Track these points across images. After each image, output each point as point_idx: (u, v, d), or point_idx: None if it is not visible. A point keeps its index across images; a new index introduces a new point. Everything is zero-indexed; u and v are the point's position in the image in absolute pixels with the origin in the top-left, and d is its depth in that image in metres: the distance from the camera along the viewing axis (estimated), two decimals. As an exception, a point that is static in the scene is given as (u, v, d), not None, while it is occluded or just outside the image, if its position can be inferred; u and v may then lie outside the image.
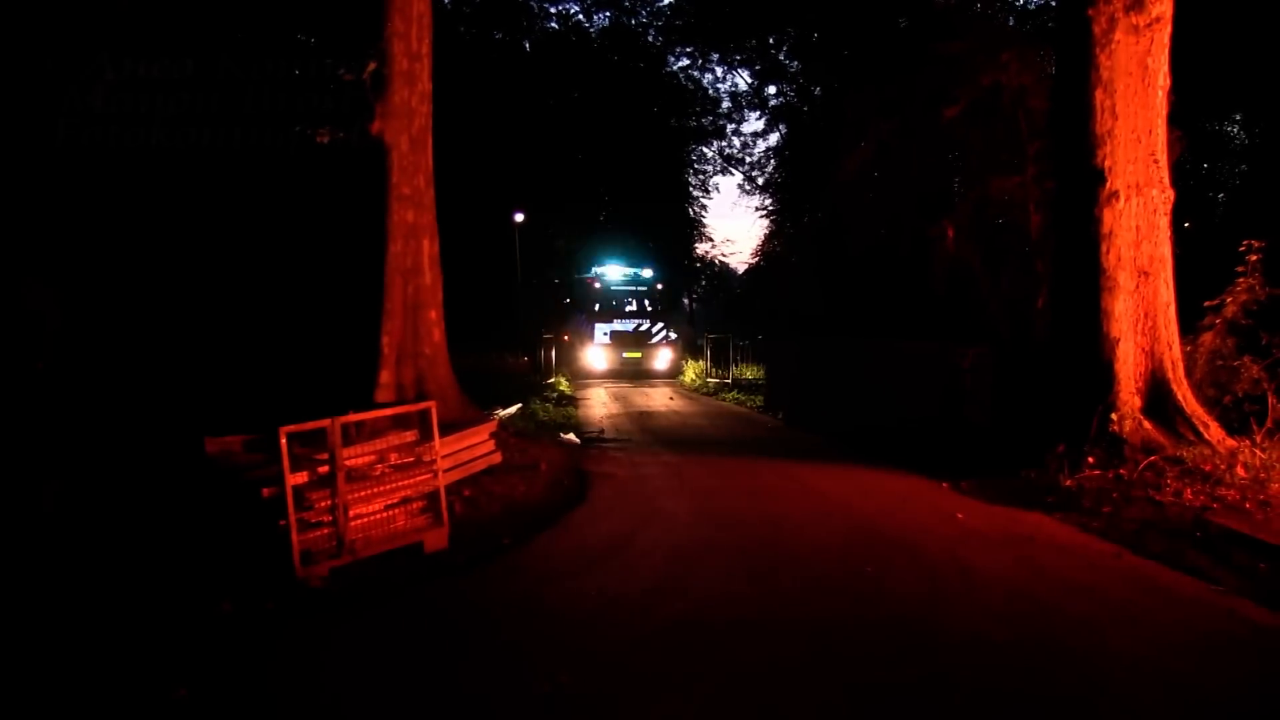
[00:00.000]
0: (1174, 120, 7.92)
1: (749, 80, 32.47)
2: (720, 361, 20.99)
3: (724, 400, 17.32)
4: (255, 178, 12.81)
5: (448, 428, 6.96)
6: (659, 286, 23.88)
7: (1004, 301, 11.93)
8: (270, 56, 10.89)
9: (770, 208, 31.86)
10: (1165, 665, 3.65)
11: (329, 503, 5.22)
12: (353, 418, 5.48)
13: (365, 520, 5.45)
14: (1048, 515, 6.35)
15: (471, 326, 18.68)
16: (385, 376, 8.53)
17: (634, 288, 23.64)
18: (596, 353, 22.41)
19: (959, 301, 12.81)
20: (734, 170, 35.56)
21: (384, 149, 8.76)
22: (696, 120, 34.52)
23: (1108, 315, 7.40)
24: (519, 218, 25.74)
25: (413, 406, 6.08)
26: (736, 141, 36.46)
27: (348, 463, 5.33)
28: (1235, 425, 7.19)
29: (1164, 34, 7.42)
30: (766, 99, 31.85)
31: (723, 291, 38.94)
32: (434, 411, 5.90)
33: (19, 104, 9.73)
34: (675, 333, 23.74)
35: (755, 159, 33.97)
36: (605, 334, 22.62)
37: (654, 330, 23.02)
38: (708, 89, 33.75)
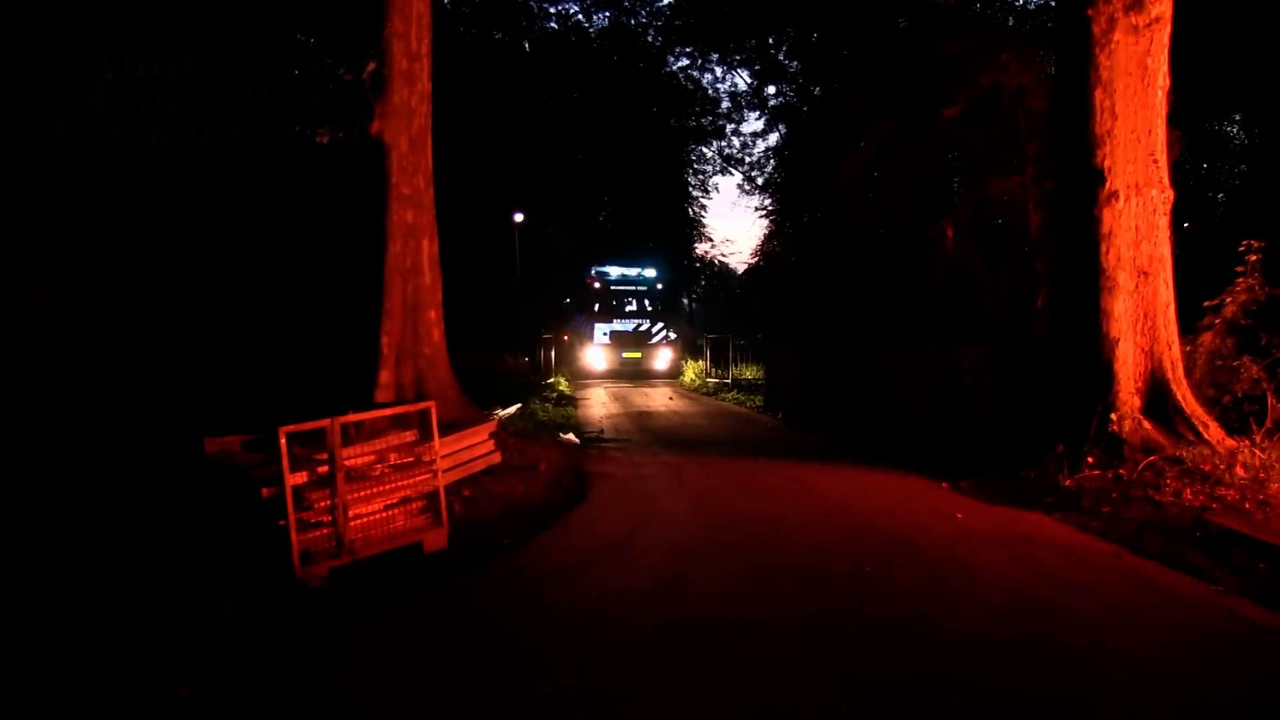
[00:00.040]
0: (1173, 120, 7.92)
1: (748, 80, 32.53)
2: (720, 361, 20.99)
3: (723, 400, 17.32)
4: (255, 178, 12.80)
5: (447, 428, 6.96)
6: (659, 286, 23.87)
7: (1003, 301, 11.92)
8: (270, 56, 10.88)
9: (770, 208, 31.89)
10: (1164, 665, 3.65)
11: (328, 503, 5.22)
12: (352, 418, 5.48)
13: (365, 520, 5.45)
14: (1047, 515, 6.35)
15: (471, 326, 18.69)
16: (385, 376, 8.53)
17: (634, 288, 23.63)
18: (596, 353, 22.42)
19: (958, 301, 12.81)
20: (733, 170, 35.64)
21: (384, 149, 8.76)
22: (696, 120, 34.56)
23: (1107, 315, 7.40)
24: (519, 218, 25.73)
25: (412, 406, 6.08)
26: (736, 141, 36.59)
27: (347, 463, 5.33)
28: (1235, 425, 7.19)
29: (1163, 34, 7.42)
30: (766, 99, 31.90)
31: (722, 291, 38.93)
32: (433, 411, 5.90)
33: (19, 104, 9.73)
34: (675, 333, 23.74)
35: (755, 159, 34.05)
36: (605, 334, 22.62)
37: (654, 330, 23.02)
38: (707, 89, 33.84)
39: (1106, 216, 7.44)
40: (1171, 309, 7.51)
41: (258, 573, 4.98)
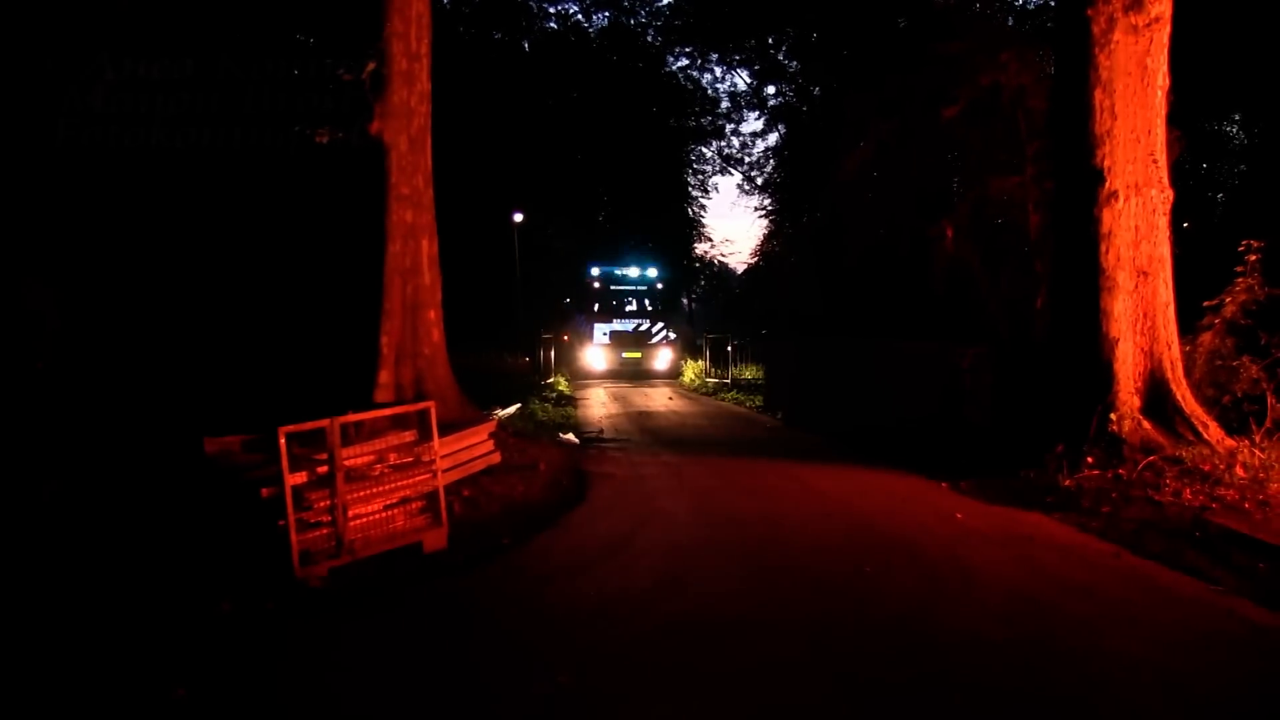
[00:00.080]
0: (1173, 120, 7.92)
1: (748, 80, 32.54)
2: (719, 361, 20.99)
3: (723, 400, 17.32)
4: (255, 178, 12.80)
5: (447, 428, 6.96)
6: (658, 286, 23.86)
7: (1003, 301, 11.93)
8: (270, 56, 10.87)
9: (769, 208, 31.91)
10: (1164, 665, 3.65)
11: (328, 503, 5.22)
12: (352, 418, 5.48)
13: (364, 520, 5.45)
14: (1047, 515, 6.36)
15: (471, 326, 18.69)
16: (384, 376, 8.52)
17: (633, 287, 23.63)
18: (596, 353, 22.41)
19: (958, 301, 12.81)
20: (733, 170, 35.65)
21: (383, 149, 8.76)
22: (696, 120, 34.57)
23: (1107, 315, 7.40)
24: (518, 218, 25.74)
25: (412, 406, 6.08)
26: (736, 141, 36.49)
27: (347, 463, 5.33)
28: (1234, 425, 7.20)
29: (1163, 34, 7.42)
30: (766, 99, 31.91)
31: (722, 291, 38.95)
32: (433, 411, 5.90)
33: (19, 104, 9.72)
34: (675, 333, 23.73)
35: (754, 159, 34.07)
36: (605, 334, 22.62)
37: (653, 330, 23.02)
38: (707, 89, 33.85)
39: (1106, 216, 7.44)
40: (1171, 309, 7.51)
41: (257, 573, 4.98)
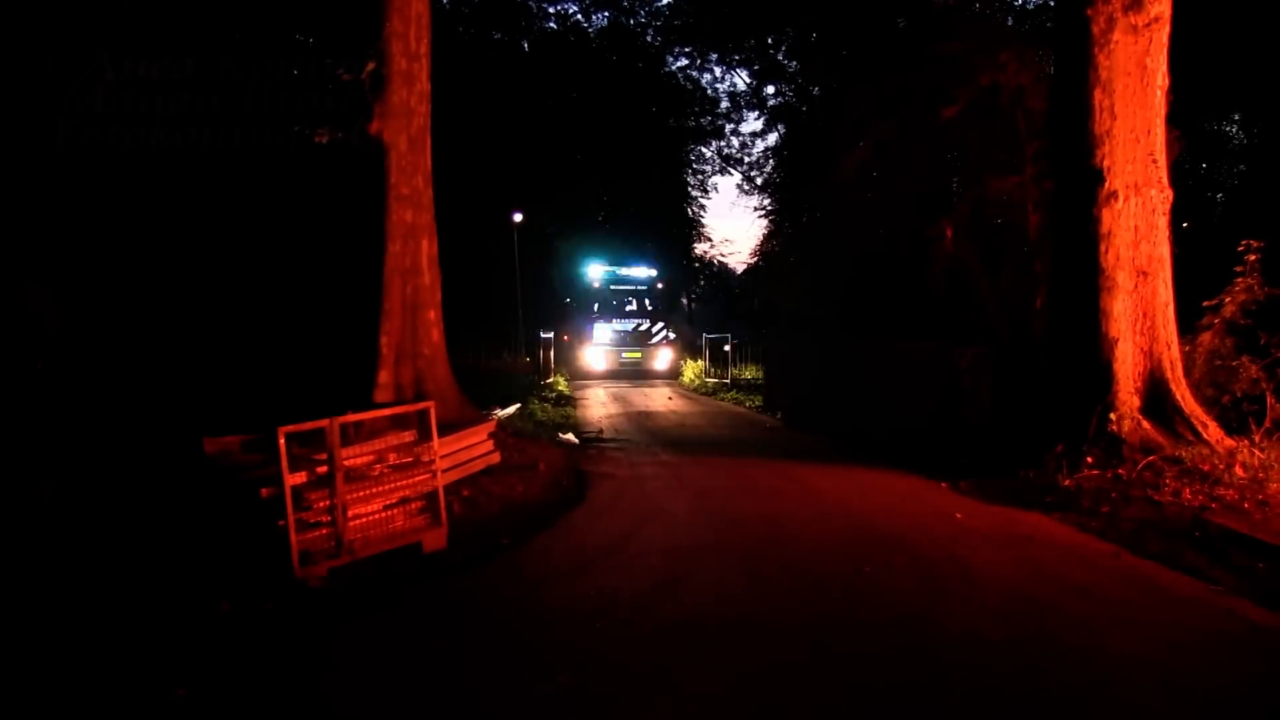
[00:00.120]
0: (1173, 120, 7.92)
1: (747, 80, 32.48)
2: (719, 361, 21.00)
3: (723, 400, 17.33)
4: (255, 178, 12.79)
5: (446, 428, 6.96)
6: (658, 286, 23.87)
7: (1002, 301, 11.92)
8: (270, 56, 10.87)
9: (769, 207, 31.77)
10: (1163, 665, 3.65)
11: (327, 503, 5.22)
12: (351, 418, 5.47)
13: (364, 520, 5.45)
14: (1046, 515, 6.36)
15: (470, 327, 18.65)
16: (384, 376, 8.52)
17: (633, 287, 23.64)
18: (595, 353, 22.42)
19: (957, 301, 12.80)
20: (732, 170, 35.57)
21: (383, 149, 8.76)
22: (695, 120, 34.50)
23: (1106, 315, 7.40)
24: (518, 218, 25.72)
25: (411, 406, 6.08)
26: (735, 141, 36.30)
27: (346, 463, 5.33)
28: (1234, 425, 7.21)
29: (1162, 34, 7.42)
30: (765, 99, 31.84)
31: (722, 291, 38.89)
32: (432, 412, 5.90)
33: (19, 104, 9.72)
34: (674, 333, 23.74)
35: (754, 159, 33.95)
36: (604, 334, 22.62)
37: (653, 330, 23.02)
38: (706, 89, 33.74)
39: (1106, 216, 7.44)
40: (1170, 309, 7.52)
41: (257, 573, 4.98)
